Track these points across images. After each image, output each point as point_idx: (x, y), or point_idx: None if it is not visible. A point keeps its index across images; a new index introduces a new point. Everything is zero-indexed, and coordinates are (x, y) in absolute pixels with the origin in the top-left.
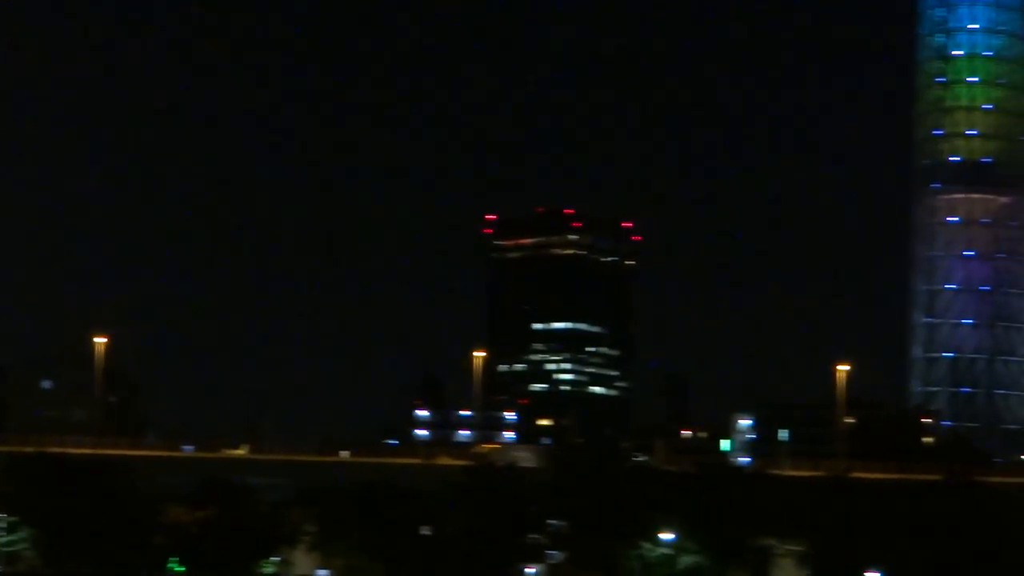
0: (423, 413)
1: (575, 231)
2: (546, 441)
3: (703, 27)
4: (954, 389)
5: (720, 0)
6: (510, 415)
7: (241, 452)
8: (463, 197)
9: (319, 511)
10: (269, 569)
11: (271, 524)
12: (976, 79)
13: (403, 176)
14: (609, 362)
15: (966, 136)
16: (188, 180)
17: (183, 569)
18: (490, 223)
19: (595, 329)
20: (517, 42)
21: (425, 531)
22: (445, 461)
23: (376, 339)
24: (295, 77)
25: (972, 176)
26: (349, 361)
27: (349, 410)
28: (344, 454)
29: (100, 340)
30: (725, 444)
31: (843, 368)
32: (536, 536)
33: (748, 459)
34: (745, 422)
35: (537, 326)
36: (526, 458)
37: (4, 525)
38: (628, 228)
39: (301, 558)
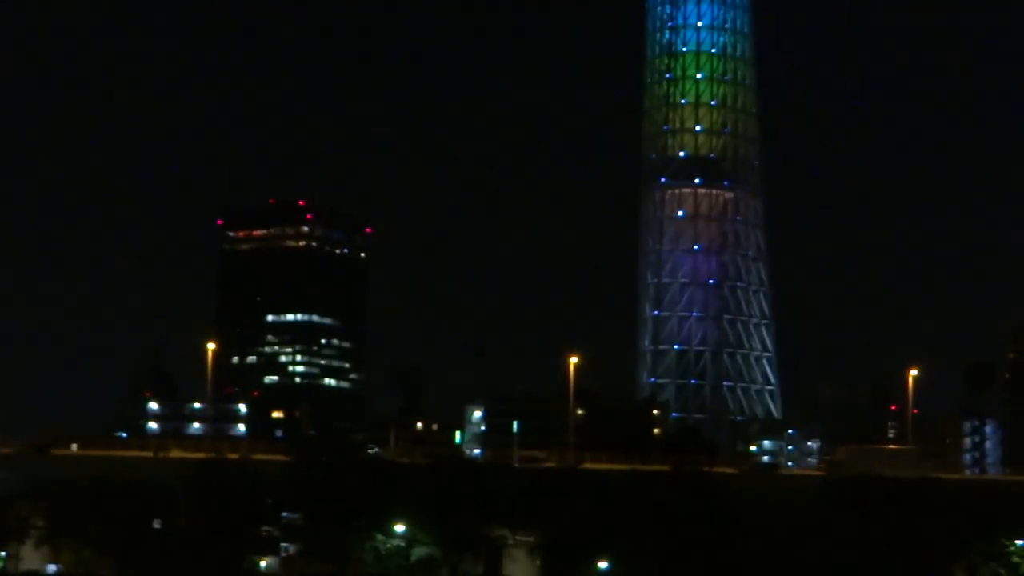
0: (154, 406)
1: (307, 223)
2: (278, 434)
3: (440, 22)
4: (682, 381)
5: None
6: (242, 407)
7: None
8: (194, 187)
9: (48, 505)
10: None
11: None
12: (702, 75)
13: (134, 164)
14: (342, 354)
15: (692, 132)
16: None
17: None
18: (221, 214)
19: (328, 321)
20: (249, 31)
21: (157, 525)
22: (177, 454)
23: (105, 331)
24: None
25: (698, 171)
26: (78, 352)
27: (78, 402)
28: (73, 447)
29: None
30: (457, 436)
31: (573, 360)
32: (269, 528)
33: (479, 451)
34: (477, 414)
35: (270, 318)
36: None
37: None
38: (361, 221)
39: (30, 553)
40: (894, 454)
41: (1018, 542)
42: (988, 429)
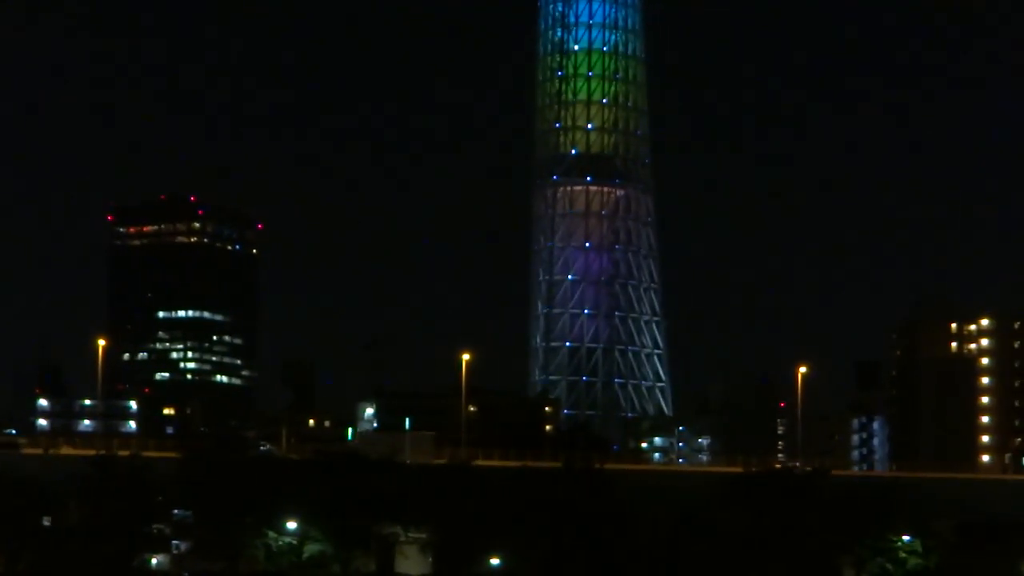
0: (44, 403)
1: (198, 219)
2: (169, 430)
3: (331, 15)
4: (573, 378)
5: None
6: (133, 404)
7: None
8: (83, 182)
9: None
10: None
11: None
12: (593, 73)
13: (22, 159)
14: (233, 351)
15: (584, 129)
16: None
17: None
18: (111, 210)
19: (219, 318)
20: (138, 24)
21: (46, 522)
22: (67, 451)
23: None
24: None
25: (590, 169)
26: None
27: None
28: None
29: None
30: (350, 432)
31: (466, 357)
32: (160, 526)
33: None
34: (369, 410)
35: (161, 314)
36: None
37: None
38: (252, 217)
39: None
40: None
41: (905, 537)
42: (875, 426)
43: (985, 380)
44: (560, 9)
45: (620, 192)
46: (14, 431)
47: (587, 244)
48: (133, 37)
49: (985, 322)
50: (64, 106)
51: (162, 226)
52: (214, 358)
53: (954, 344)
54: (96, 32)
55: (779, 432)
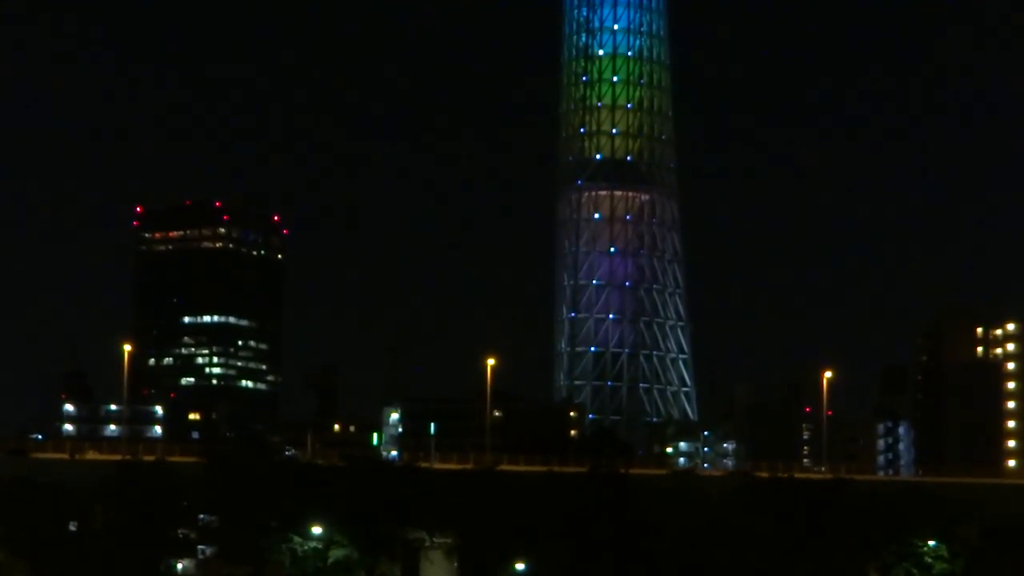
0: (69, 407)
1: (224, 224)
2: (195, 435)
3: (354, 19)
4: (598, 383)
5: None
6: (159, 409)
7: None
8: (109, 188)
9: None
10: None
11: None
12: (618, 78)
13: (48, 165)
14: (259, 356)
15: (609, 134)
16: None
17: None
18: (137, 215)
19: (244, 323)
20: (160, 32)
21: (72, 527)
22: (93, 456)
23: (20, 333)
24: None
25: (615, 174)
26: None
27: None
28: None
29: None
30: (375, 438)
31: (491, 362)
32: (186, 531)
33: (396, 453)
34: (394, 416)
35: (186, 319)
36: None
37: None
38: (277, 222)
39: None
40: None
41: (931, 542)
42: (901, 430)
43: (1011, 385)
44: (585, 14)
45: (645, 197)
46: (40, 436)
47: (612, 249)
48: (159, 41)
49: (1011, 327)
50: (90, 111)
51: (188, 231)
52: (239, 363)
53: (980, 349)
54: (122, 37)
55: (804, 437)
